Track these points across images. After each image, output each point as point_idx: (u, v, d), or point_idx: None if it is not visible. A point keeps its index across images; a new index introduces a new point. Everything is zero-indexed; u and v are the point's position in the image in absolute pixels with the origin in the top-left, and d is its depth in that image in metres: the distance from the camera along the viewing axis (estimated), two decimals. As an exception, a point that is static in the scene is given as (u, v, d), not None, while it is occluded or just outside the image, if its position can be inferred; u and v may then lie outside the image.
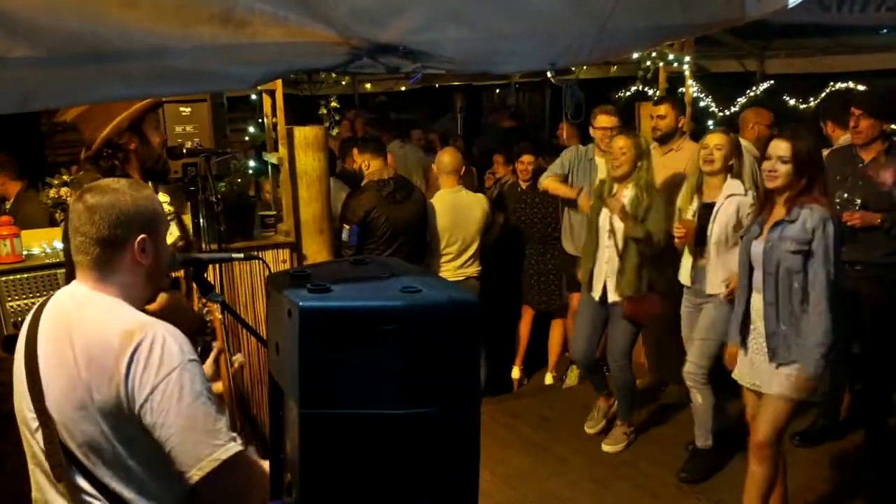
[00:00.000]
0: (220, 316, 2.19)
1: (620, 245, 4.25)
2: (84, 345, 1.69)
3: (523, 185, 5.60)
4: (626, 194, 4.26)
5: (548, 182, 5.19)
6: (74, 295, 1.80)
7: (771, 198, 3.21)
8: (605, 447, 4.54)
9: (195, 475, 1.62)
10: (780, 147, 3.11)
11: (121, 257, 1.76)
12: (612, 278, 4.32)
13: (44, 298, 1.88)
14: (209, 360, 2.17)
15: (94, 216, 1.73)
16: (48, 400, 1.71)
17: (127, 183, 1.83)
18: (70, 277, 1.88)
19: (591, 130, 5.20)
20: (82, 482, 1.72)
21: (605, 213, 4.34)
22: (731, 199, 3.94)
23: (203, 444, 1.63)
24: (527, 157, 5.60)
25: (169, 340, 1.67)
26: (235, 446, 1.66)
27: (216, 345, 2.21)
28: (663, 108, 4.98)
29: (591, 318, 4.50)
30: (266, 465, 1.67)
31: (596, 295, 4.41)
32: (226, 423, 1.69)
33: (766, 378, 3.19)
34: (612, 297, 4.33)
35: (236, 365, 2.25)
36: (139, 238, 1.76)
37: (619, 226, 4.25)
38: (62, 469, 1.72)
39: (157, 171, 2.80)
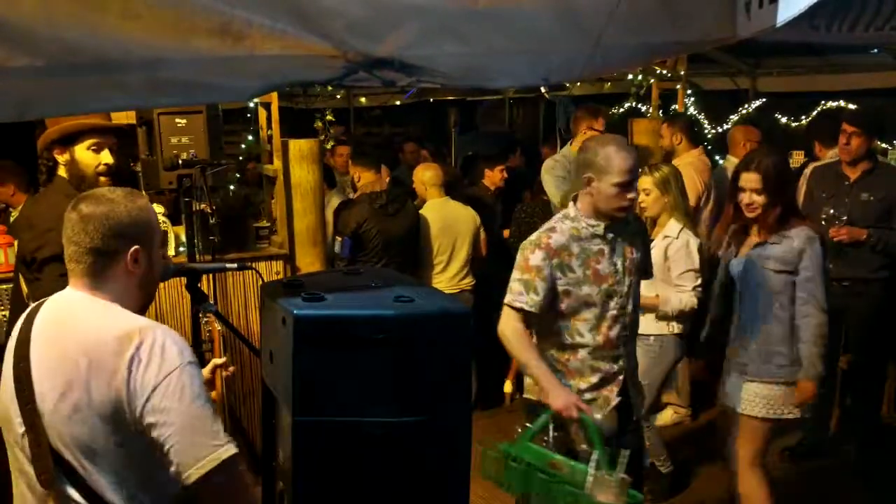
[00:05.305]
0: (219, 327, 2.19)
1: None
2: (82, 346, 1.69)
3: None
4: None
5: None
6: (70, 299, 1.80)
7: (745, 221, 3.23)
8: None
9: (194, 474, 1.63)
10: (750, 179, 3.16)
11: (114, 267, 1.77)
12: None
13: (35, 304, 1.88)
14: (206, 370, 2.17)
15: (87, 226, 1.74)
16: (40, 403, 1.70)
17: (122, 193, 1.83)
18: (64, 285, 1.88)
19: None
20: (71, 490, 1.71)
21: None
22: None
23: (204, 444, 1.64)
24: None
25: (169, 342, 1.69)
26: (233, 448, 1.67)
27: (215, 360, 2.22)
28: (661, 128, 4.97)
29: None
30: None
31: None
32: (222, 426, 1.70)
33: (739, 397, 3.20)
34: None
35: (230, 370, 2.27)
36: (132, 249, 1.78)
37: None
38: (49, 475, 1.70)
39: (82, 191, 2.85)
